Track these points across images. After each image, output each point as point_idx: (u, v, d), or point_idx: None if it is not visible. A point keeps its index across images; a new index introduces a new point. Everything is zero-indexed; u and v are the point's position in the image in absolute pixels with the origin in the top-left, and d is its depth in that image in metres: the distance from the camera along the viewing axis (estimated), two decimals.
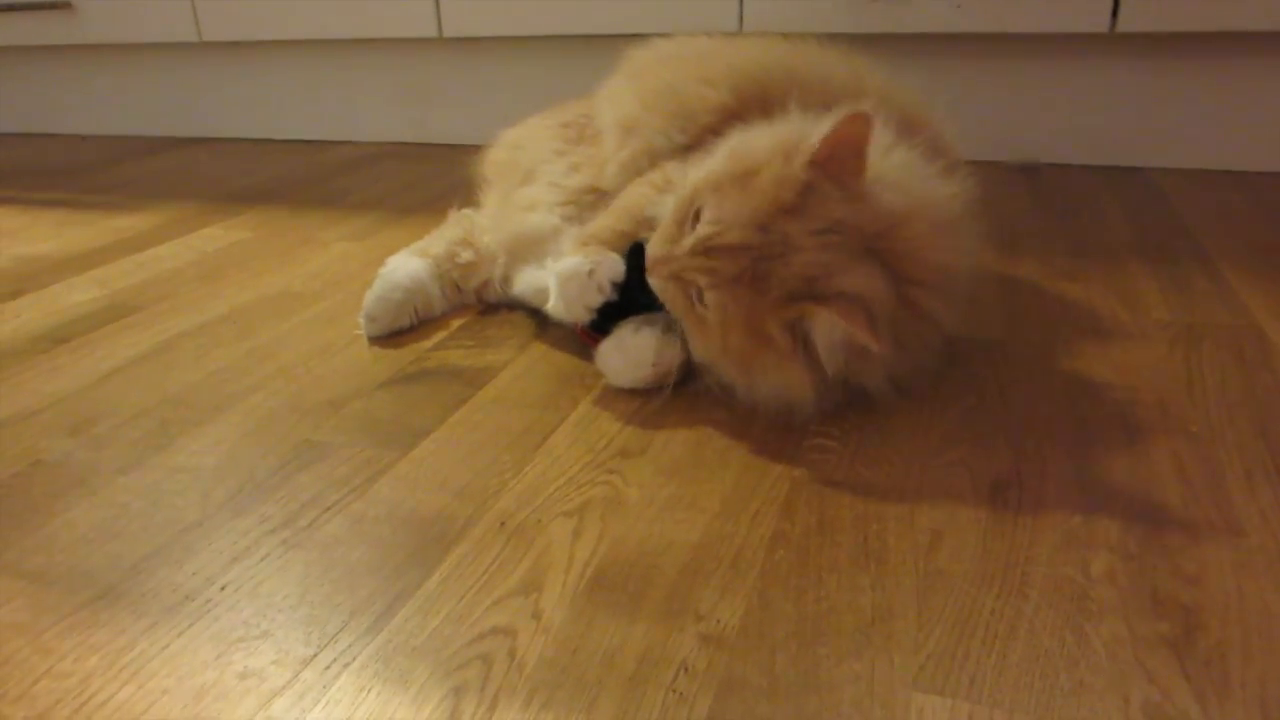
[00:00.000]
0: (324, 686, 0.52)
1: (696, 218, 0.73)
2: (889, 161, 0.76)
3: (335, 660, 0.54)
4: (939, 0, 1.47)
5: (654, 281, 0.77)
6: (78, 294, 1.14)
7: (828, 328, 0.69)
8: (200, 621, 0.58)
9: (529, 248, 0.94)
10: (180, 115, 2.12)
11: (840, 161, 0.70)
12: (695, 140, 0.91)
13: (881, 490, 0.68)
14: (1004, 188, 1.43)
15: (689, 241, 0.73)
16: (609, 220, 0.87)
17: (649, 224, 0.85)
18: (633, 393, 0.83)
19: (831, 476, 0.70)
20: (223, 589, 0.60)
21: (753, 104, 0.89)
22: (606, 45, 1.04)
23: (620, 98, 0.98)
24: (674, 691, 0.51)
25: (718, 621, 0.56)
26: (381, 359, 0.93)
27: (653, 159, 0.92)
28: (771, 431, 0.77)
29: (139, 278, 1.19)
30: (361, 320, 0.97)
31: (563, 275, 0.81)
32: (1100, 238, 1.19)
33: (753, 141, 0.76)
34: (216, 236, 1.35)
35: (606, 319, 0.83)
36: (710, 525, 0.65)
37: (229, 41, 1.95)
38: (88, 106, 2.20)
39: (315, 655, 0.54)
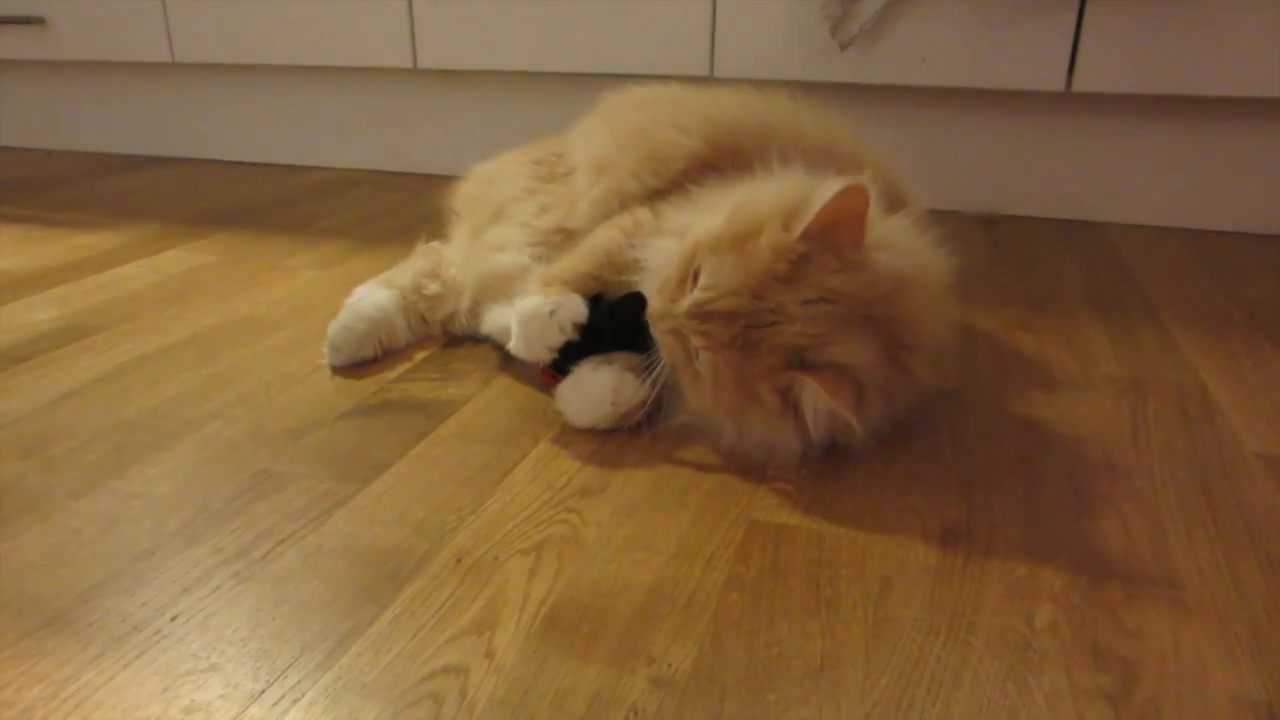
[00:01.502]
0: None
1: (696, 277, 0.75)
2: (887, 226, 0.78)
3: (284, 696, 0.54)
4: (906, 54, 1.51)
5: (655, 334, 0.79)
6: (37, 313, 1.13)
7: (814, 398, 0.71)
8: (148, 653, 0.57)
9: (498, 287, 0.95)
10: (151, 134, 2.11)
11: (838, 232, 0.72)
12: (667, 185, 0.92)
13: (835, 536, 0.69)
14: (963, 238, 1.47)
15: (686, 303, 0.74)
16: (575, 261, 0.88)
17: (614, 267, 0.86)
18: (592, 432, 0.84)
19: (788, 521, 0.71)
20: (173, 620, 0.60)
21: (725, 154, 0.91)
22: (580, 83, 1.06)
23: (595, 138, 1.00)
24: None
25: (669, 665, 0.56)
26: (343, 389, 0.93)
27: (623, 201, 0.93)
28: (730, 473, 0.78)
29: (100, 298, 1.18)
30: (325, 350, 0.97)
31: (524, 315, 0.82)
32: (1054, 290, 1.23)
33: (754, 200, 0.77)
34: (181, 259, 1.34)
35: (567, 359, 0.84)
36: (665, 568, 0.66)
37: (202, 63, 1.94)
38: (58, 122, 2.19)
39: (264, 691, 0.54)
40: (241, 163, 2.01)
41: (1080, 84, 1.47)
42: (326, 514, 0.71)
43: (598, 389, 0.82)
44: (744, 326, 0.72)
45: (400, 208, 1.64)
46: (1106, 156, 1.55)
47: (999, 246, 1.43)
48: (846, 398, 0.70)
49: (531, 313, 0.81)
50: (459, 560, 0.66)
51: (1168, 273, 1.29)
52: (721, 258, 0.74)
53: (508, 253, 0.96)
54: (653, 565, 0.66)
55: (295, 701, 0.53)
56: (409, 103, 1.89)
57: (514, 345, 0.83)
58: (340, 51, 1.80)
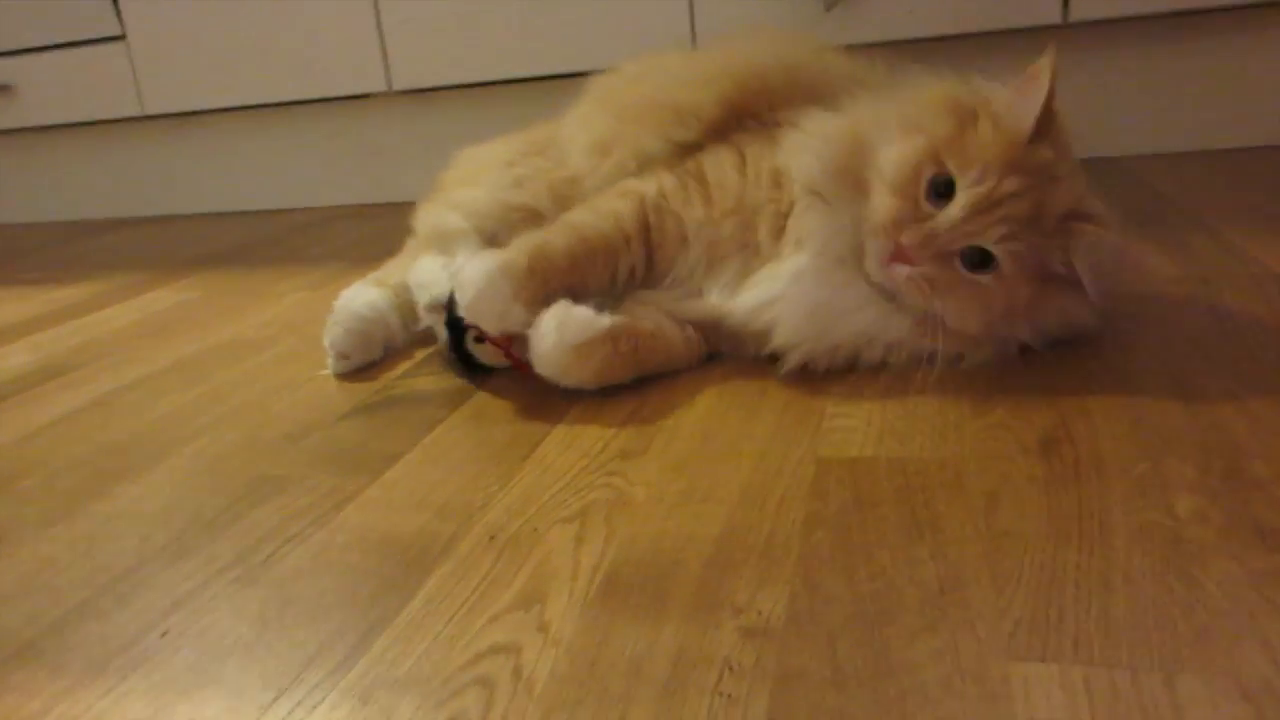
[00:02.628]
0: None
1: (930, 189, 0.68)
2: None
3: (301, 702, 0.44)
4: (892, 7, 1.45)
5: (899, 274, 0.69)
6: (8, 360, 1.04)
7: (1094, 245, 0.67)
8: (134, 675, 0.47)
9: (438, 242, 0.89)
10: (126, 195, 2.04)
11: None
12: (699, 137, 0.85)
13: (918, 462, 0.60)
14: None
15: (963, 203, 0.66)
16: (559, 238, 0.79)
17: (607, 251, 0.79)
18: (616, 397, 0.75)
19: (860, 454, 0.62)
20: (163, 636, 0.50)
21: (757, 97, 0.84)
22: (562, 86, 0.98)
23: (591, 120, 0.92)
24: (720, 694, 0.42)
25: (759, 613, 0.47)
26: (343, 391, 0.84)
27: (643, 165, 0.86)
28: (785, 417, 0.69)
29: (78, 340, 1.10)
30: (329, 360, 0.88)
31: (482, 270, 0.73)
32: None
33: (927, 101, 0.72)
34: (162, 298, 1.26)
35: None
36: (732, 516, 0.56)
37: (174, 113, 1.88)
38: (30, 192, 2.12)
39: (275, 699, 0.45)
40: (220, 213, 1.94)
41: (1078, 12, 1.40)
42: (335, 509, 0.62)
43: (583, 313, 0.73)
44: (1032, 200, 0.66)
45: (388, 233, 1.56)
46: (1113, 88, 1.47)
47: None
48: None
49: (494, 268, 0.73)
50: (492, 538, 0.57)
51: (1201, 190, 1.21)
52: (959, 149, 0.67)
53: (459, 213, 0.89)
54: (717, 516, 0.56)
55: (315, 706, 0.44)
56: (387, 129, 1.82)
57: (465, 306, 0.74)
58: (312, 83, 1.74)
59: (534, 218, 0.88)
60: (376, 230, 1.59)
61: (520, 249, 0.76)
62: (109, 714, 0.45)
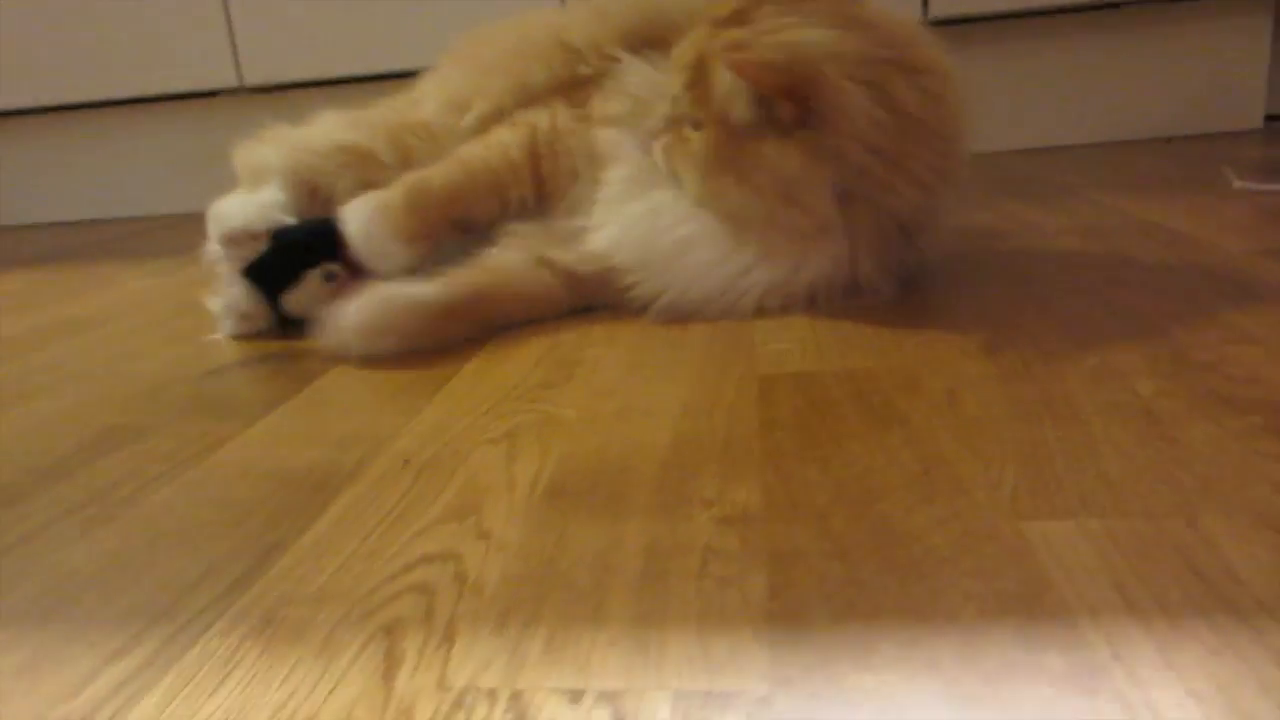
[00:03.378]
0: (163, 665, 0.33)
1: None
2: None
3: (184, 627, 0.35)
4: None
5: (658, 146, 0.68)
6: None
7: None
8: None
9: (252, 179, 0.81)
10: None
11: None
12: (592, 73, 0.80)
13: (866, 372, 0.56)
14: None
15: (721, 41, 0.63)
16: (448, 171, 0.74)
17: (494, 186, 0.75)
18: (533, 337, 0.68)
19: (801, 370, 0.58)
20: None
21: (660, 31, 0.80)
22: None
23: (451, 77, 0.86)
24: (709, 576, 0.36)
25: (733, 503, 0.41)
26: (207, 352, 0.73)
27: (526, 99, 0.80)
28: (715, 346, 0.64)
29: None
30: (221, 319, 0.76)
31: (369, 210, 0.68)
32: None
33: None
34: None
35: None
36: (679, 426, 0.51)
37: None
38: None
39: (149, 626, 0.35)
40: (46, 223, 1.74)
41: (936, 9, 1.45)
42: (208, 451, 0.53)
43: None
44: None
45: None
46: (976, 85, 1.52)
47: None
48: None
49: (371, 208, 0.69)
50: (406, 462, 0.49)
51: (1069, 173, 1.26)
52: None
53: (274, 147, 0.84)
54: (662, 427, 0.51)
55: (205, 630, 0.35)
56: (236, 130, 1.69)
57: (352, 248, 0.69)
58: (153, 78, 1.60)
59: (364, 161, 0.81)
60: None
61: (398, 186, 0.72)
62: None
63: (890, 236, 0.67)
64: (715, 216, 0.67)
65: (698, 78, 0.65)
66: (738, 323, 0.68)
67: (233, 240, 0.71)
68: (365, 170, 0.80)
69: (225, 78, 1.59)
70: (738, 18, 0.65)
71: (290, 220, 0.73)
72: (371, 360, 0.66)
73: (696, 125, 0.65)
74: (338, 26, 1.53)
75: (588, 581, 0.36)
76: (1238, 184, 0.95)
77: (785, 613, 0.33)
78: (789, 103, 0.61)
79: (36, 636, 0.35)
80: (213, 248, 0.74)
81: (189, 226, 1.30)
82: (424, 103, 0.86)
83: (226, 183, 1.62)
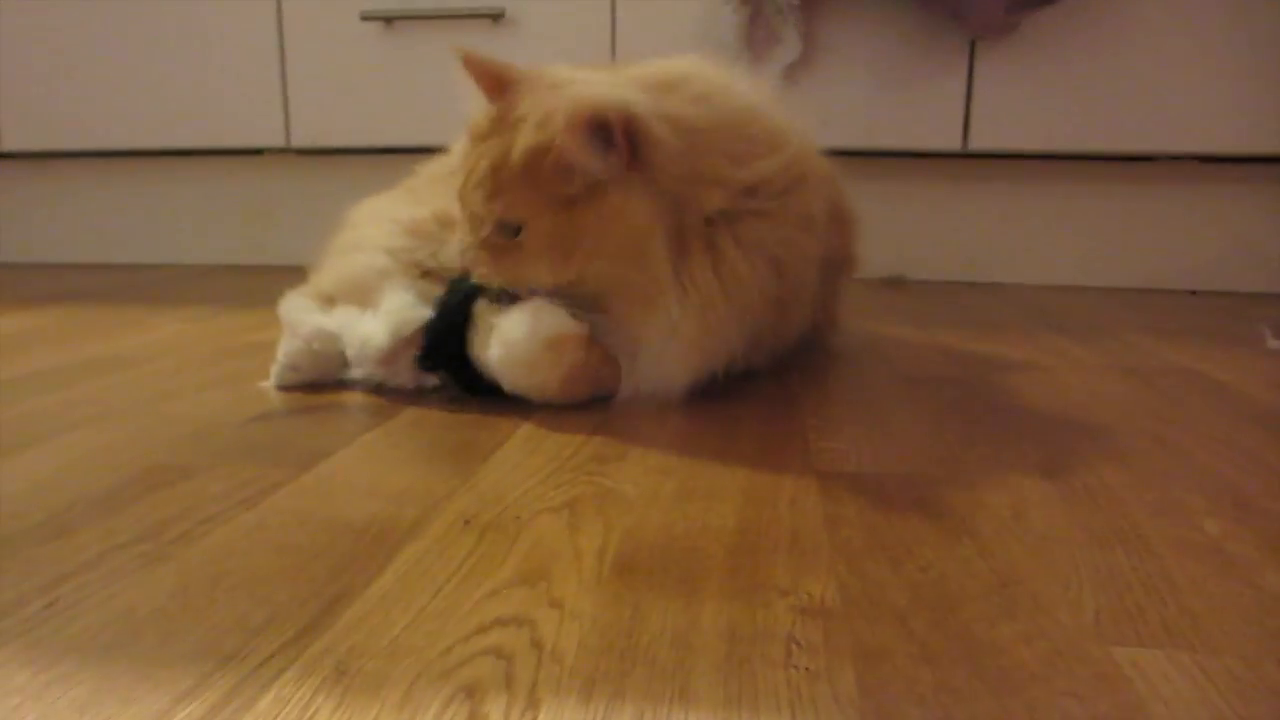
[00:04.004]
0: (238, 710, 0.32)
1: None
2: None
3: (253, 673, 0.34)
4: (804, 116, 1.51)
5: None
6: None
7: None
8: (14, 644, 0.36)
9: (356, 294, 0.76)
10: None
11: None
12: None
13: (924, 478, 0.56)
14: (873, 297, 1.43)
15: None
16: None
17: None
18: (581, 412, 0.68)
19: (859, 471, 0.58)
20: (49, 606, 0.39)
21: None
22: None
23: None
24: (795, 668, 0.35)
25: (809, 595, 0.41)
26: (254, 398, 0.73)
27: None
28: (768, 442, 0.64)
29: None
30: (276, 370, 0.75)
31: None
32: (985, 317, 1.18)
33: None
34: (9, 323, 1.09)
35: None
36: (743, 513, 0.50)
37: (33, 151, 1.72)
38: None
39: (215, 671, 0.34)
40: (79, 264, 1.75)
41: (976, 142, 1.50)
42: (262, 495, 0.52)
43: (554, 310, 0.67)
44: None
45: (275, 284, 1.45)
46: (1009, 218, 1.56)
47: (914, 301, 1.40)
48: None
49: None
50: (467, 522, 0.48)
51: (1101, 311, 1.28)
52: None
53: (364, 253, 0.79)
54: (726, 512, 0.50)
55: (275, 677, 0.34)
56: (277, 189, 1.72)
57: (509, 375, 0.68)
58: (203, 132, 1.63)
59: (447, 221, 0.79)
60: (261, 283, 1.47)
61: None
62: None
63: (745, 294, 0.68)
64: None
65: (498, 182, 0.64)
66: (789, 415, 0.68)
67: (388, 360, 0.71)
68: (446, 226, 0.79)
69: (274, 137, 1.63)
70: (501, 119, 0.65)
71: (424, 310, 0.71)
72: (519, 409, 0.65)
73: (514, 232, 0.65)
74: (387, 99, 1.57)
75: (670, 660, 0.35)
76: (1273, 343, 0.97)
77: (879, 713, 0.32)
78: (625, 139, 0.62)
79: (98, 672, 0.34)
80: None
81: (223, 277, 1.31)
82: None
83: (258, 239, 1.64)
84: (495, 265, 0.67)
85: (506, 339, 0.66)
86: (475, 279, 0.69)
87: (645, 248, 0.65)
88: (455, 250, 0.71)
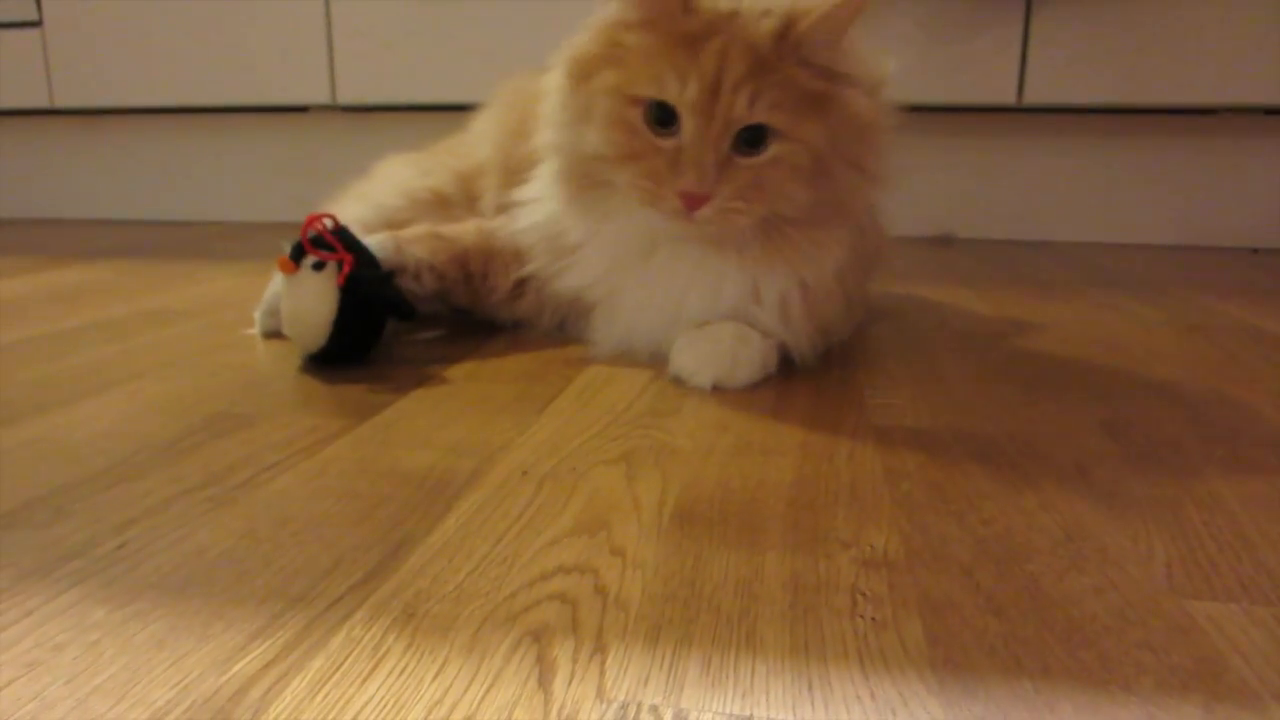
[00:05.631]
0: (310, 649, 0.32)
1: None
2: None
3: (323, 614, 0.34)
4: None
5: (706, 216, 0.59)
6: None
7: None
8: (90, 582, 0.37)
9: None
10: (22, 194, 1.86)
11: None
12: None
13: (984, 434, 0.55)
14: (923, 255, 1.41)
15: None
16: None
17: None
18: (641, 366, 0.68)
19: (916, 426, 0.57)
20: (120, 547, 0.40)
21: None
22: None
23: (503, 120, 0.88)
24: (862, 617, 0.34)
25: (872, 547, 0.40)
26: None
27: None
28: (823, 398, 0.63)
29: None
30: (257, 316, 0.78)
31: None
32: (1038, 275, 1.16)
33: None
34: (68, 276, 1.11)
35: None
36: (802, 466, 0.50)
37: (85, 109, 1.74)
38: None
39: (287, 610, 0.35)
40: (127, 220, 1.78)
41: (1030, 96, 1.46)
42: (321, 443, 0.52)
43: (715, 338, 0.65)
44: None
45: None
46: (1062, 174, 1.52)
47: (964, 258, 1.37)
48: None
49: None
50: (525, 473, 0.48)
51: (1157, 268, 1.25)
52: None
53: (363, 203, 0.88)
54: (784, 465, 0.50)
55: (345, 618, 0.34)
56: (322, 146, 1.73)
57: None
58: (248, 89, 1.64)
59: (440, 200, 0.88)
60: None
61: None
62: (54, 620, 0.34)
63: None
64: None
65: (759, 80, 0.57)
66: (839, 363, 0.67)
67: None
68: (442, 210, 0.86)
69: (319, 94, 1.63)
70: (706, 17, 0.58)
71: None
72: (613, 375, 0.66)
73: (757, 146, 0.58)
74: (430, 56, 1.57)
75: (735, 608, 0.35)
76: None
77: (949, 662, 0.32)
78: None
79: (172, 609, 0.35)
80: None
81: (269, 233, 1.32)
82: (478, 148, 0.89)
83: (304, 196, 1.64)
84: (737, 188, 0.58)
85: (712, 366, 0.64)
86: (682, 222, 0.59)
87: (878, 160, 0.62)
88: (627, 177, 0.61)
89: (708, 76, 0.57)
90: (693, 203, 0.58)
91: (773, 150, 0.58)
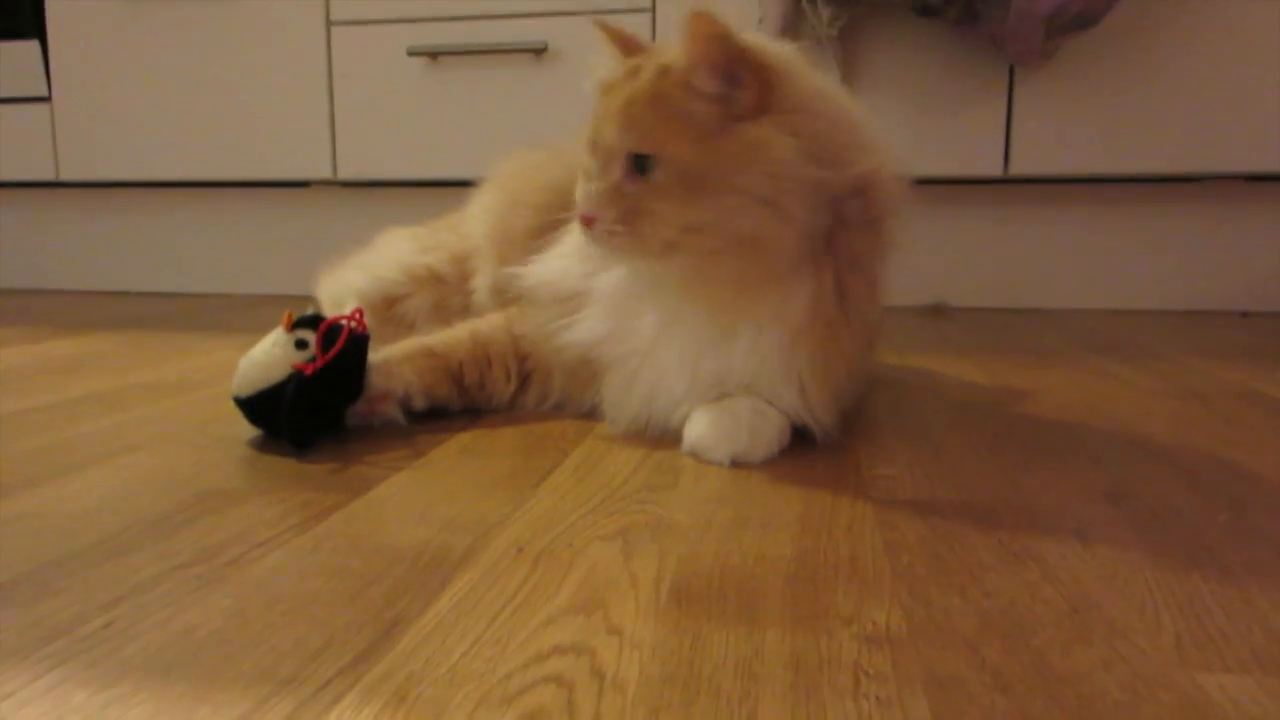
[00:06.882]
0: None
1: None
2: None
3: (312, 698, 0.33)
4: None
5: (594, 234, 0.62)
6: None
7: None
8: (71, 663, 0.36)
9: (335, 306, 0.89)
10: (27, 265, 1.87)
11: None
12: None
13: (983, 504, 0.55)
14: (916, 325, 1.41)
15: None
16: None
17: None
18: (642, 441, 0.68)
19: (915, 498, 0.56)
20: (107, 626, 0.39)
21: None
22: None
23: (491, 205, 0.90)
24: (866, 697, 0.34)
25: (874, 623, 0.39)
26: None
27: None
28: (819, 470, 0.63)
29: None
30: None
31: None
32: (1031, 343, 1.16)
33: None
34: (71, 347, 1.11)
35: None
36: (801, 540, 0.49)
37: (90, 181, 1.76)
38: None
39: (273, 694, 0.34)
40: (131, 292, 1.79)
41: (1016, 167, 1.48)
42: (314, 519, 0.52)
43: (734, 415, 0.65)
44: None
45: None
46: (1052, 243, 1.53)
47: (960, 329, 1.38)
48: None
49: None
50: (520, 549, 0.48)
51: (1151, 334, 1.26)
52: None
53: (361, 273, 0.93)
54: (783, 539, 0.49)
55: (334, 702, 0.33)
56: (323, 220, 1.75)
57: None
58: (252, 164, 1.67)
59: (435, 279, 0.91)
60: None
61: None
62: (35, 701, 0.33)
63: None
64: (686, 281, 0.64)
65: (630, 114, 0.61)
66: (838, 440, 0.67)
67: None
68: (437, 288, 0.91)
69: (321, 170, 1.66)
70: (632, 71, 0.63)
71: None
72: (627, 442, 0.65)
73: (644, 171, 0.61)
74: (431, 133, 1.59)
75: (735, 689, 0.34)
76: None
77: None
78: (754, 77, 0.59)
79: (156, 692, 0.34)
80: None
81: (271, 306, 1.33)
82: (474, 227, 0.92)
83: (306, 270, 1.66)
84: (618, 212, 0.60)
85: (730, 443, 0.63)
86: (591, 244, 0.63)
87: (784, 195, 0.59)
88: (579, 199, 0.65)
89: (599, 117, 0.63)
90: (586, 223, 0.62)
91: (653, 174, 0.61)
